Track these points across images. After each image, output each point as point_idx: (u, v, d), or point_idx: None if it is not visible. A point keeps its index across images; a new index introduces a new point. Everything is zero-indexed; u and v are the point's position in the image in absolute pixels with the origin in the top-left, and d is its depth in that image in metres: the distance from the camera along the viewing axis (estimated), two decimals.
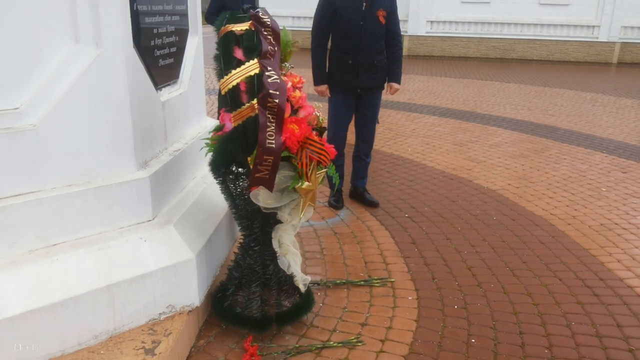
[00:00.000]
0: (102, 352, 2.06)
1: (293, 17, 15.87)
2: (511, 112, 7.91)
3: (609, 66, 14.45)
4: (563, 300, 2.88)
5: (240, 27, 2.08)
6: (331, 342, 2.46)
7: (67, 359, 2.00)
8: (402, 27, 16.12)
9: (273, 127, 2.03)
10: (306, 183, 2.21)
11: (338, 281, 3.00)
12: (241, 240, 2.52)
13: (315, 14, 3.89)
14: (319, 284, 2.96)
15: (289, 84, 2.13)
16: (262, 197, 2.25)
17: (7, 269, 1.92)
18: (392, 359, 2.37)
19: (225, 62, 2.09)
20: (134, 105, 2.26)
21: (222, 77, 2.09)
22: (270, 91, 1.99)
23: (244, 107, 2.06)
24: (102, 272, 2.08)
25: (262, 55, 2.04)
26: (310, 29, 3.94)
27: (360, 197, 4.18)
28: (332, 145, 2.33)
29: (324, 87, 3.89)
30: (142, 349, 2.08)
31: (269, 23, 2.10)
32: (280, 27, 2.29)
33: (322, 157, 2.21)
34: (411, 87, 10.04)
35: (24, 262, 1.98)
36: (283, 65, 2.22)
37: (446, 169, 5.08)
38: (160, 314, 2.26)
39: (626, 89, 10.33)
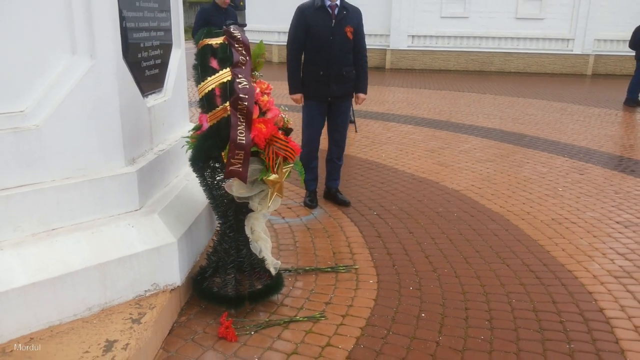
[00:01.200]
0: (94, 322, 2.38)
1: (279, 32, 16.35)
2: (483, 121, 8.33)
3: (584, 78, 15.00)
4: (508, 282, 3.24)
5: (215, 41, 2.44)
6: (298, 317, 2.79)
7: (64, 327, 2.32)
8: (385, 42, 16.48)
9: (243, 126, 2.37)
10: (273, 175, 2.56)
11: (307, 268, 3.33)
12: (218, 229, 2.86)
13: (290, 30, 4.26)
14: (290, 271, 3.29)
15: (258, 90, 2.48)
16: (235, 188, 2.59)
17: (13, 249, 2.24)
18: (350, 330, 2.71)
19: (202, 70, 2.44)
20: (123, 109, 2.60)
21: (200, 83, 2.44)
22: (241, 95, 2.34)
23: (218, 108, 2.41)
24: (95, 252, 2.40)
25: (234, 65, 2.40)
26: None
27: (333, 197, 4.53)
28: (298, 145, 2.68)
29: (298, 96, 4.25)
30: (129, 319, 2.40)
31: (240, 38, 2.46)
32: (257, 41, 2.66)
33: (287, 153, 2.55)
34: (391, 98, 10.46)
35: (28, 243, 2.30)
36: (253, 74, 2.58)
37: (416, 173, 5.45)
38: (145, 291, 2.58)
39: (596, 99, 10.82)
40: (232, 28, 2.46)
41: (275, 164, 2.52)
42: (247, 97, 2.35)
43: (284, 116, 2.63)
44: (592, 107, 9.89)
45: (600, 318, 2.88)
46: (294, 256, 3.54)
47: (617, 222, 4.24)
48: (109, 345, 2.20)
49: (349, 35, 4.17)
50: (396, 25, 15.82)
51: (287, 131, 2.73)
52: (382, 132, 7.36)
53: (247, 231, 2.77)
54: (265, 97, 2.53)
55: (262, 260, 2.86)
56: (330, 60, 4.12)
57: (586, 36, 15.27)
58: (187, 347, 2.54)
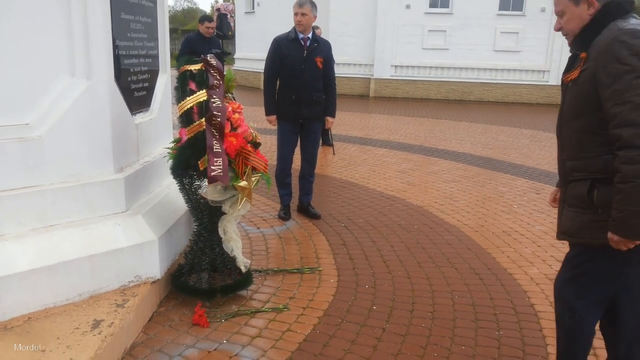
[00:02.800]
0: (84, 305, 2.75)
1: None
2: (455, 145, 8.84)
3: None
4: (453, 283, 3.65)
5: (194, 67, 2.88)
6: (263, 308, 3.18)
7: (58, 309, 2.68)
8: (369, 71, 17.01)
9: (217, 138, 2.80)
10: (242, 182, 2.98)
11: (276, 269, 3.73)
12: (194, 230, 3.25)
13: (267, 58, 4.75)
14: (260, 271, 3.68)
15: (230, 108, 2.92)
16: (209, 193, 3.00)
17: (16, 240, 2.62)
18: (309, 319, 3.09)
19: (182, 91, 2.88)
20: (113, 124, 3.02)
21: (180, 102, 2.87)
22: (214, 112, 2.78)
23: (195, 123, 2.84)
24: (86, 246, 2.79)
25: (209, 87, 2.84)
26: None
27: (306, 210, 4.95)
28: (265, 157, 3.11)
29: (273, 117, 4.70)
30: (114, 304, 2.77)
31: (215, 65, 2.90)
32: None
33: (255, 162, 2.98)
34: (371, 124, 10.99)
35: (28, 236, 2.68)
36: (226, 95, 3.02)
37: (385, 191, 5.89)
38: (129, 281, 2.96)
39: None
40: (209, 57, 2.91)
41: (244, 172, 2.94)
42: (219, 114, 2.78)
43: (253, 132, 3.06)
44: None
45: (530, 312, 3.29)
46: (265, 260, 3.93)
47: None
48: (96, 323, 2.57)
49: (319, 64, 4.65)
50: (380, 55, 16.50)
51: (256, 145, 3.16)
52: (359, 155, 7.82)
53: (220, 232, 3.17)
54: (237, 115, 2.97)
55: (234, 259, 3.25)
56: (302, 86, 4.59)
57: (560, 68, 16.00)
58: (164, 332, 2.91)
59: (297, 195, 5.06)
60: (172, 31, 37.80)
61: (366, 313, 3.19)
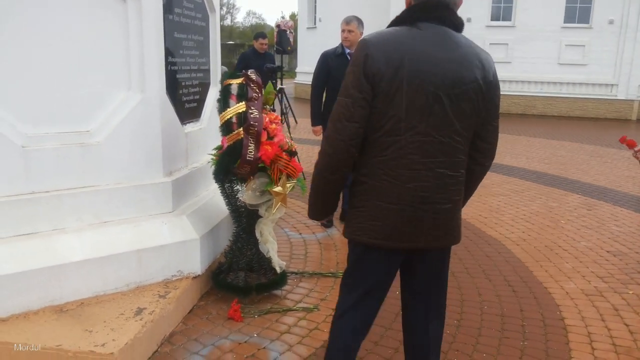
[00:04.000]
0: (130, 295, 3.04)
1: None
2: (509, 160, 8.71)
3: (629, 122, 15.00)
4: (485, 293, 3.68)
5: (236, 81, 3.14)
6: (295, 307, 3.36)
7: (107, 297, 2.99)
8: None
9: (253, 146, 3.04)
10: (277, 187, 3.19)
11: (311, 272, 3.91)
12: (233, 231, 3.50)
13: (314, 72, 4.98)
14: (296, 273, 3.87)
15: (267, 119, 3.15)
16: (247, 198, 3.24)
17: (75, 233, 2.96)
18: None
19: (224, 103, 3.14)
20: (164, 133, 3.32)
21: (221, 113, 3.13)
22: (251, 122, 3.02)
23: (234, 132, 3.08)
24: (135, 241, 3.09)
25: (248, 100, 3.08)
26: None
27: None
28: (300, 165, 3.32)
29: (318, 128, 4.92)
30: (157, 295, 3.05)
31: (254, 79, 3.15)
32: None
33: (289, 170, 3.19)
34: None
35: (85, 230, 3.01)
36: (265, 107, 3.26)
37: None
38: (172, 275, 3.23)
39: None
40: (249, 72, 3.16)
41: (279, 178, 3.16)
42: (256, 124, 3.02)
43: (289, 141, 3.27)
44: (624, 150, 10.03)
45: (559, 325, 3.28)
46: (302, 263, 4.12)
47: (607, 251, 4.57)
48: (139, 310, 2.85)
49: None
50: None
51: (292, 153, 3.37)
52: None
53: (257, 234, 3.39)
54: (274, 125, 3.19)
55: (269, 260, 3.46)
56: None
57: (630, 82, 15.33)
58: (201, 323, 3.15)
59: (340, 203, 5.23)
60: (240, 46, 39.53)
61: (392, 317, 3.30)
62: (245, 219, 3.38)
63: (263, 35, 7.28)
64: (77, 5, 2.93)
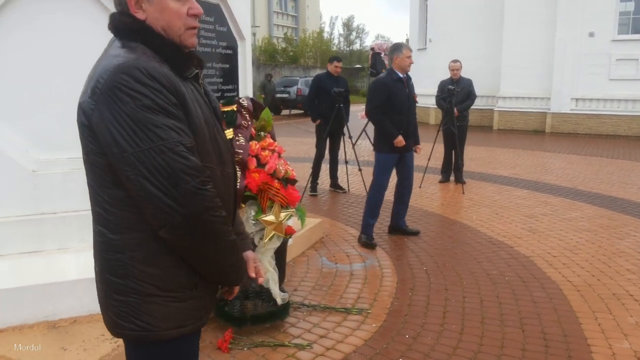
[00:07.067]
0: None
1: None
2: (616, 190, 7.65)
3: None
4: (510, 346, 3.21)
5: (227, 108, 3.13)
6: (287, 343, 3.21)
7: (99, 316, 3.09)
8: (545, 105, 15.90)
9: (239, 174, 2.99)
10: (270, 216, 3.10)
11: (323, 306, 3.72)
12: None
13: (374, 96, 5.04)
14: (306, 306, 3.71)
15: (257, 146, 3.09)
16: None
17: (74, 253, 3.13)
18: (327, 358, 3.04)
19: None
20: None
21: None
22: (236, 150, 2.97)
23: None
24: None
25: (236, 127, 3.06)
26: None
27: (403, 230, 5.36)
28: (296, 193, 3.20)
29: (400, 137, 4.91)
30: None
31: (246, 106, 3.12)
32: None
33: (278, 198, 3.09)
34: (522, 162, 10.13)
35: (86, 251, 3.16)
36: (260, 134, 3.20)
37: (496, 236, 5.40)
38: None
39: None
40: (242, 99, 3.14)
41: (267, 207, 3.07)
42: (241, 151, 2.97)
43: (282, 169, 3.17)
44: None
45: None
46: (321, 295, 3.95)
47: None
48: None
49: (415, 99, 5.02)
50: (558, 88, 15.15)
51: (291, 181, 3.26)
52: (490, 195, 7.30)
53: None
54: (266, 152, 3.12)
55: (268, 290, 3.36)
56: (407, 120, 5.00)
57: None
58: None
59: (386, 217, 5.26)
60: (361, 69, 40.39)
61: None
62: None
63: (338, 59, 7.26)
64: (96, 36, 3.14)
